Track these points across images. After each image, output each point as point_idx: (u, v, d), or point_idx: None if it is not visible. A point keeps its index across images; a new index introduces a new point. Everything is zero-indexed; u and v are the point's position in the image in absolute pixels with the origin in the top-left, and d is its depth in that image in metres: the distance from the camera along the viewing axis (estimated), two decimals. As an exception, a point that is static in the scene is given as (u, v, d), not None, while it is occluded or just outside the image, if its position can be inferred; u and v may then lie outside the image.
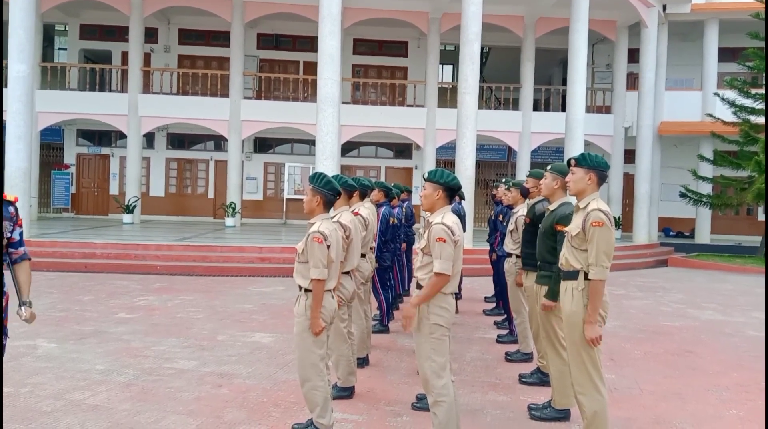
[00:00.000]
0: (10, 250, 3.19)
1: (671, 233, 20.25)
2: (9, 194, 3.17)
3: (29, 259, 3.31)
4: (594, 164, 3.67)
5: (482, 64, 20.38)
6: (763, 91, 15.79)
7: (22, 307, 3.23)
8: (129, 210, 17.27)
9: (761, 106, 15.52)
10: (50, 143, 19.80)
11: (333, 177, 4.78)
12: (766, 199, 14.71)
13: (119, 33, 19.30)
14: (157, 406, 4.34)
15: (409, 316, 3.53)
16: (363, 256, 5.22)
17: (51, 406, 4.26)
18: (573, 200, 3.99)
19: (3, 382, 2.99)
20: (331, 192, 3.82)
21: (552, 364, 4.40)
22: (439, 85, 18.69)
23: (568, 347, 3.72)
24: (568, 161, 3.79)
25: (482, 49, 17.34)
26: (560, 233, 4.05)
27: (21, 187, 12.11)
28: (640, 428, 4.25)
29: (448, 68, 23.58)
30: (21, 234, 3.24)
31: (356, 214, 5.00)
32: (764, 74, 15.84)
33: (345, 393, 4.65)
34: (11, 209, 3.16)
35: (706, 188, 17.16)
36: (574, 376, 3.66)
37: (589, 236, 3.53)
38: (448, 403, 3.51)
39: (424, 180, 3.64)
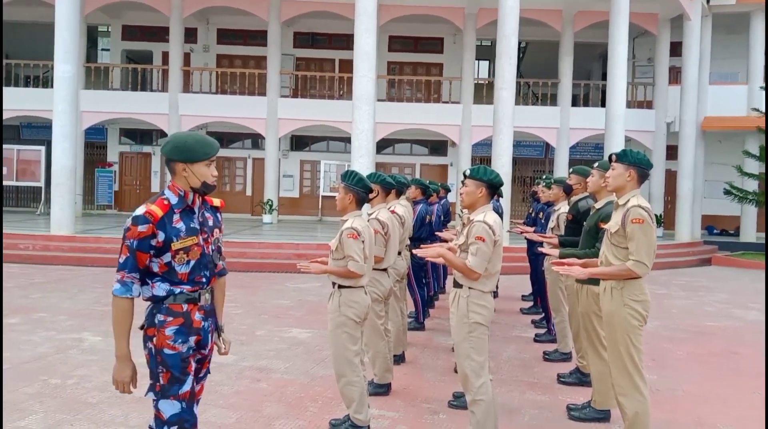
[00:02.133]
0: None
1: (715, 231, 19.72)
2: (214, 199, 2.71)
3: (226, 274, 2.79)
4: (635, 161, 3.59)
5: (519, 60, 20.11)
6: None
7: (221, 337, 2.83)
8: (169, 207, 17.58)
9: (811, 99, 14.97)
10: (94, 142, 20.33)
11: (370, 175, 4.80)
12: None
13: (160, 33, 19.68)
14: (198, 400, 4.42)
15: (437, 252, 3.59)
16: (399, 253, 5.23)
17: (96, 398, 4.38)
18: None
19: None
20: (363, 189, 3.82)
21: (592, 364, 4.33)
22: (475, 81, 18.55)
23: (608, 347, 3.66)
24: (609, 157, 3.72)
25: (519, 44, 17.16)
26: (602, 231, 3.98)
27: (66, 184, 12.49)
28: (682, 431, 4.17)
29: (485, 64, 23.37)
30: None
31: (392, 211, 5.00)
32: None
33: (381, 389, 4.67)
34: (219, 217, 2.71)
35: (751, 185, 16.63)
36: (614, 377, 3.60)
37: (629, 234, 3.45)
38: (486, 402, 3.49)
39: (465, 177, 3.59)
